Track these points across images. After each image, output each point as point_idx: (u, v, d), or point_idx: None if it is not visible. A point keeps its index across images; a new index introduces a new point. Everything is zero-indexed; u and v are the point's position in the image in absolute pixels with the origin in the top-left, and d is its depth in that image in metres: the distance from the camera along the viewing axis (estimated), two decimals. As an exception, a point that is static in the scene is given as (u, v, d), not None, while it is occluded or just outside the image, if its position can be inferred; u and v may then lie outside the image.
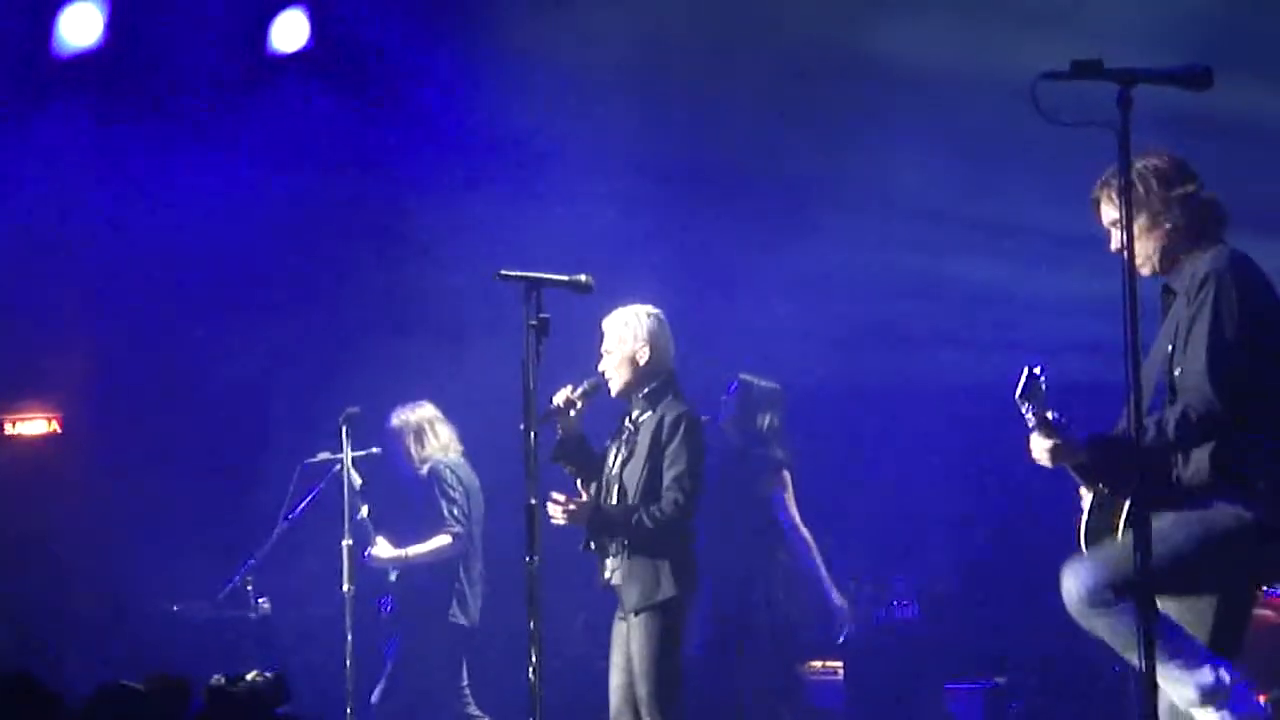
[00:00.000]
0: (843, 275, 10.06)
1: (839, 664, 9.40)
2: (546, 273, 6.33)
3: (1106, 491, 5.36)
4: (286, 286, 10.39)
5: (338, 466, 8.39)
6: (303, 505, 8.88)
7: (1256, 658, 5.70)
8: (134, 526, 9.97)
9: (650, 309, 7.05)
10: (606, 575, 6.88)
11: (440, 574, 8.77)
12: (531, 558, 6.04)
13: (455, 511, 8.75)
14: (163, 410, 10.24)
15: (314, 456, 8.65)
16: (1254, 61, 8.09)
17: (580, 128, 9.86)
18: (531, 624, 6.03)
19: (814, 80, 9.65)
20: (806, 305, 10.18)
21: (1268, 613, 7.47)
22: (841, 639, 9.07)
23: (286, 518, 8.92)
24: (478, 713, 8.82)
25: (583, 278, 6.45)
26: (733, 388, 9.06)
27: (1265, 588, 6.79)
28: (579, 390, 6.92)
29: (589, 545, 6.94)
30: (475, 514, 8.88)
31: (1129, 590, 4.90)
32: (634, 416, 6.99)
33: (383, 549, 8.76)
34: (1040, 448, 5.33)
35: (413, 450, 8.89)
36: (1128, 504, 5.22)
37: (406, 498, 8.96)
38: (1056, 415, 5.30)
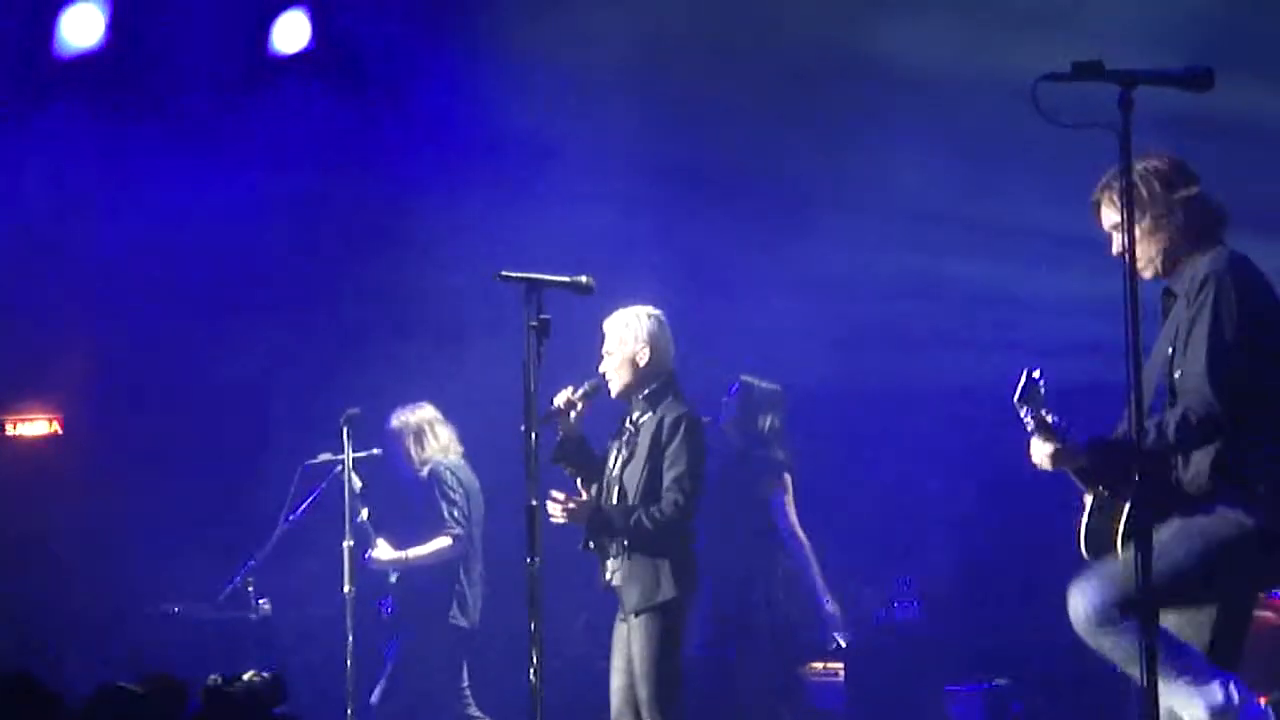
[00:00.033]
0: (843, 275, 10.05)
1: (839, 665, 9.39)
2: (547, 274, 6.32)
3: (1106, 494, 5.36)
4: (287, 287, 10.39)
5: (338, 468, 8.39)
6: (304, 506, 8.88)
7: (1257, 660, 5.70)
8: (134, 527, 9.97)
9: (650, 310, 7.05)
10: (607, 576, 6.89)
11: (440, 576, 8.77)
12: (532, 559, 6.04)
13: (455, 513, 8.75)
14: (163, 411, 10.24)
15: (315, 458, 8.65)
16: (1254, 62, 8.09)
17: (580, 128, 9.86)
18: (532, 625, 6.03)
19: (814, 80, 9.64)
20: (806, 305, 10.17)
21: (1268, 614, 7.46)
22: (834, 646, 9.07)
23: (287, 519, 8.92)
24: (478, 714, 8.82)
25: (583, 279, 6.45)
26: (734, 389, 9.06)
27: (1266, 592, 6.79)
28: (579, 391, 6.93)
29: (588, 545, 6.94)
30: (475, 515, 8.88)
31: (1134, 608, 4.90)
32: (634, 418, 6.99)
33: (383, 551, 8.76)
34: (1040, 452, 5.33)
35: (412, 452, 8.89)
36: (1127, 506, 5.22)
37: (407, 499, 8.96)
38: (1055, 418, 5.30)
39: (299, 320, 10.34)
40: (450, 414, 9.03)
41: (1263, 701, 6.75)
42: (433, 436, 8.92)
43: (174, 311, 10.14)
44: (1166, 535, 5.09)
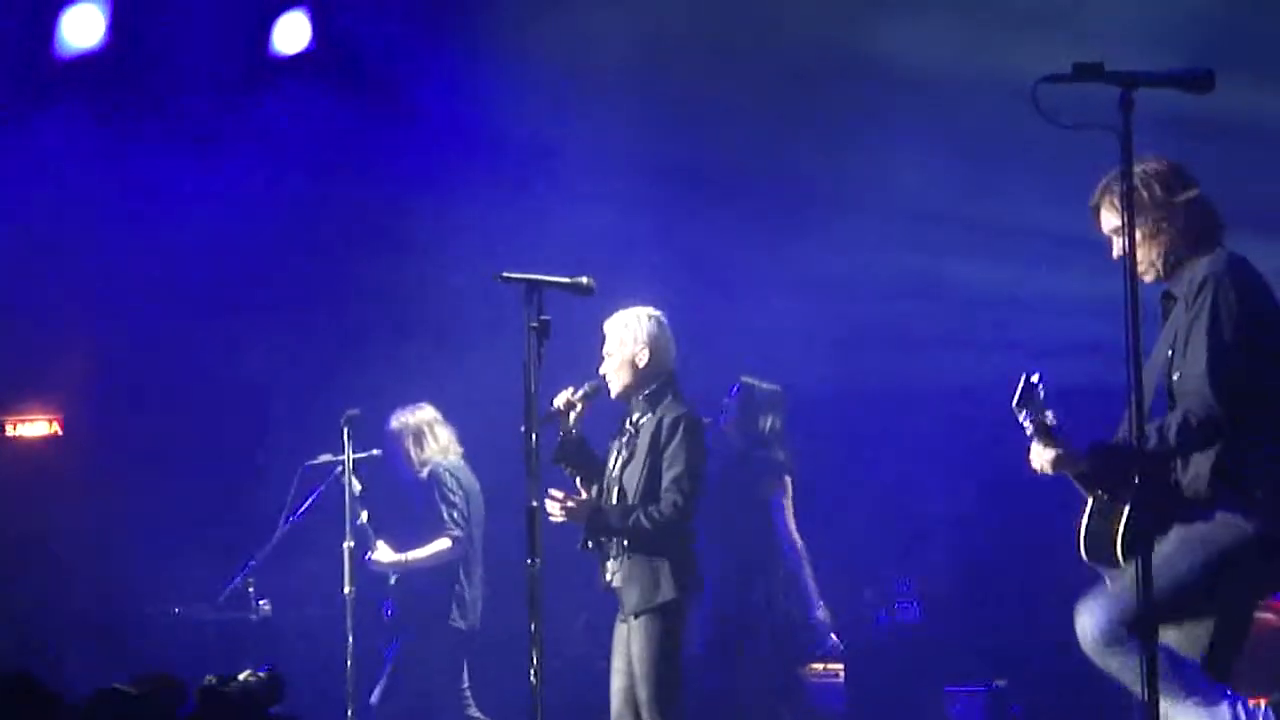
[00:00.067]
0: (843, 276, 10.05)
1: (839, 666, 9.39)
2: (547, 274, 6.32)
3: (1106, 498, 5.35)
4: (287, 287, 10.39)
5: (339, 468, 8.38)
6: (304, 507, 8.87)
7: (1257, 661, 5.70)
8: (134, 528, 9.97)
9: (651, 311, 7.05)
10: (607, 578, 6.89)
11: (440, 577, 8.76)
12: (532, 560, 6.04)
13: (455, 515, 8.74)
14: (163, 412, 10.24)
15: (315, 458, 8.64)
16: (1255, 63, 8.09)
17: (580, 128, 9.86)
18: (532, 626, 6.02)
19: (814, 80, 9.64)
20: (806, 305, 10.17)
21: (1269, 616, 7.45)
22: (823, 653, 9.05)
23: (287, 520, 8.91)
24: (478, 714, 8.81)
25: (584, 280, 6.45)
26: (734, 391, 9.06)
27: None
28: (579, 392, 6.93)
29: (586, 544, 6.94)
30: (475, 516, 8.87)
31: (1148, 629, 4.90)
32: (634, 419, 7.00)
33: (383, 553, 8.75)
34: (1042, 457, 5.32)
35: (412, 452, 8.88)
36: (1127, 510, 5.22)
37: (406, 501, 8.96)
38: (1055, 421, 5.28)
39: (299, 321, 10.34)
40: (450, 415, 9.03)
41: (1263, 703, 6.76)
42: (432, 438, 8.92)
43: (174, 311, 10.13)
44: (1169, 548, 5.09)
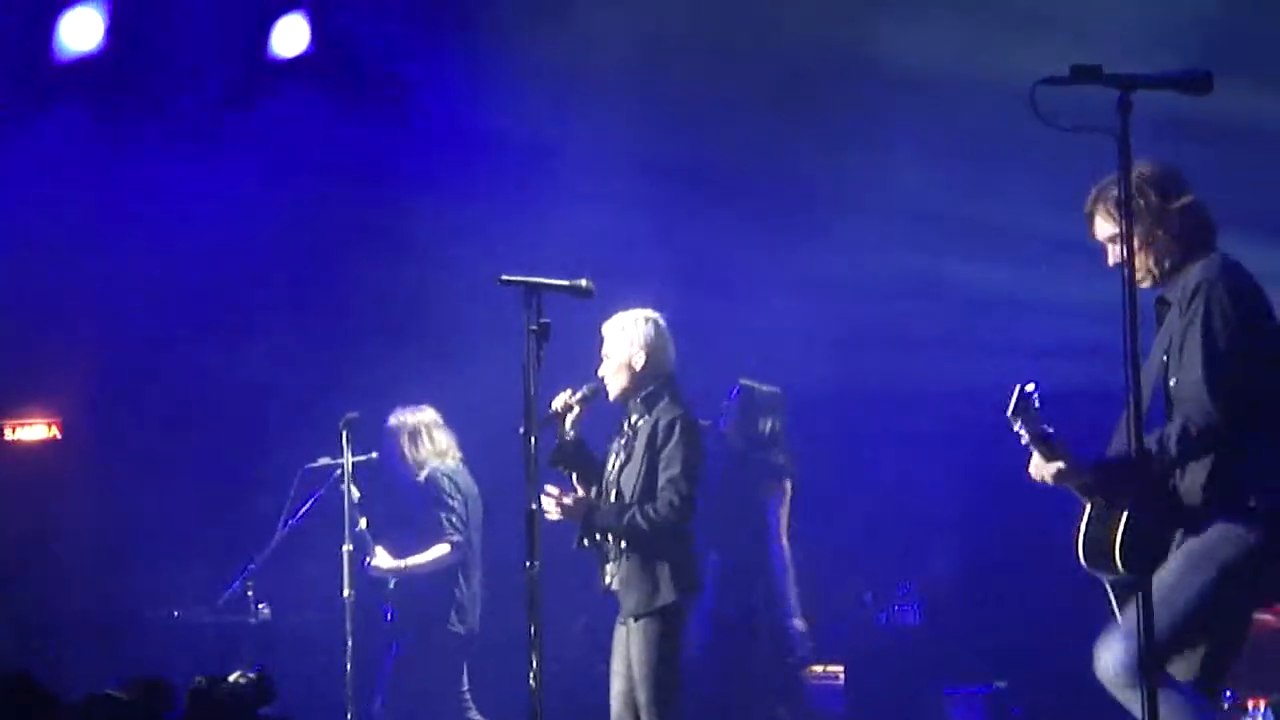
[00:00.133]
0: (843, 276, 10.05)
1: (839, 667, 9.39)
2: (547, 276, 6.30)
3: (1104, 504, 5.33)
4: (286, 291, 10.38)
5: (338, 472, 8.37)
6: (303, 511, 8.86)
7: (1257, 661, 5.69)
8: (133, 531, 9.97)
9: (649, 314, 7.04)
10: (606, 580, 6.88)
11: (439, 581, 8.74)
12: (532, 562, 6.03)
13: (454, 520, 8.71)
14: (162, 415, 10.24)
15: (314, 461, 8.64)
16: (1254, 65, 8.08)
17: (580, 128, 9.86)
18: (532, 629, 6.01)
19: (814, 80, 9.64)
20: (806, 306, 10.17)
21: (1268, 617, 7.44)
22: (796, 661, 9.04)
23: (287, 523, 8.90)
24: (478, 717, 8.80)
25: (583, 282, 6.43)
26: (734, 393, 9.06)
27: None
28: (578, 395, 6.93)
29: (582, 543, 6.94)
30: (474, 520, 8.85)
31: (1168, 659, 4.93)
32: (632, 421, 6.99)
33: (383, 559, 8.72)
34: (1043, 469, 5.28)
35: (406, 451, 8.84)
36: (1125, 516, 5.20)
37: (405, 505, 8.94)
38: (1051, 430, 5.25)
39: (297, 323, 10.33)
40: (449, 417, 9.01)
41: (1263, 703, 6.76)
42: (428, 439, 8.88)
43: (173, 315, 10.13)
44: (1173, 577, 5.07)
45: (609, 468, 7.00)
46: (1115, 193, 5.23)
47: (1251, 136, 8.48)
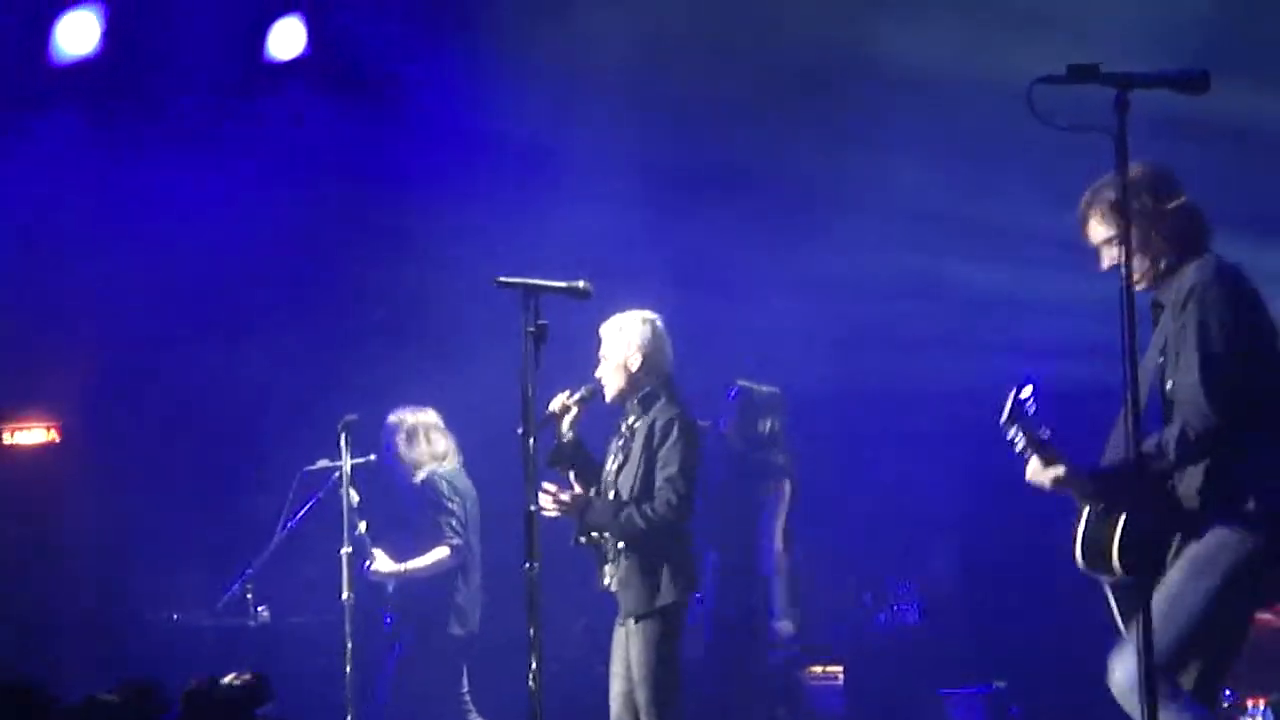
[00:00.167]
0: (843, 276, 10.04)
1: (839, 668, 9.39)
2: (545, 277, 6.29)
3: (1102, 508, 5.31)
4: (286, 291, 10.37)
5: (337, 474, 8.36)
6: (302, 513, 8.85)
7: (1257, 660, 5.68)
8: (133, 534, 9.96)
9: (646, 315, 7.04)
10: (605, 581, 6.88)
11: (438, 583, 8.73)
12: (531, 563, 6.03)
13: (453, 523, 8.70)
14: (161, 418, 10.23)
15: (313, 464, 8.62)
16: (1251, 65, 8.07)
17: (580, 129, 9.85)
18: (531, 630, 6.01)
19: (814, 80, 9.64)
20: (806, 306, 10.16)
21: (1268, 616, 7.44)
22: (774, 663, 9.03)
23: (285, 526, 8.89)
24: (478, 719, 8.80)
25: (580, 284, 6.42)
26: (733, 394, 9.05)
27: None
28: (575, 396, 6.93)
29: (579, 540, 6.93)
30: (472, 523, 8.84)
31: (1178, 671, 4.96)
32: (629, 422, 7.00)
33: (382, 563, 8.71)
34: (1042, 475, 5.27)
35: (401, 450, 8.82)
36: (1123, 518, 5.19)
37: (403, 507, 8.93)
38: (1048, 434, 5.23)
39: (296, 325, 10.32)
40: (448, 418, 8.99)
41: (1263, 703, 6.75)
42: (425, 440, 8.86)
43: (172, 317, 10.12)
44: (1176, 588, 5.07)
45: (607, 468, 7.00)
46: (1108, 196, 5.24)
47: (1249, 136, 8.47)
